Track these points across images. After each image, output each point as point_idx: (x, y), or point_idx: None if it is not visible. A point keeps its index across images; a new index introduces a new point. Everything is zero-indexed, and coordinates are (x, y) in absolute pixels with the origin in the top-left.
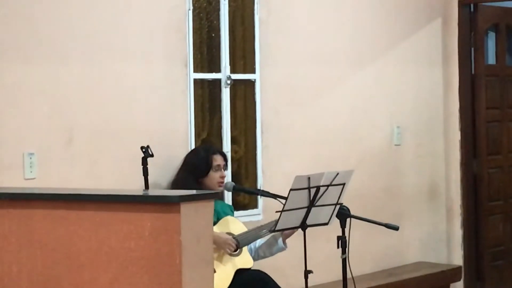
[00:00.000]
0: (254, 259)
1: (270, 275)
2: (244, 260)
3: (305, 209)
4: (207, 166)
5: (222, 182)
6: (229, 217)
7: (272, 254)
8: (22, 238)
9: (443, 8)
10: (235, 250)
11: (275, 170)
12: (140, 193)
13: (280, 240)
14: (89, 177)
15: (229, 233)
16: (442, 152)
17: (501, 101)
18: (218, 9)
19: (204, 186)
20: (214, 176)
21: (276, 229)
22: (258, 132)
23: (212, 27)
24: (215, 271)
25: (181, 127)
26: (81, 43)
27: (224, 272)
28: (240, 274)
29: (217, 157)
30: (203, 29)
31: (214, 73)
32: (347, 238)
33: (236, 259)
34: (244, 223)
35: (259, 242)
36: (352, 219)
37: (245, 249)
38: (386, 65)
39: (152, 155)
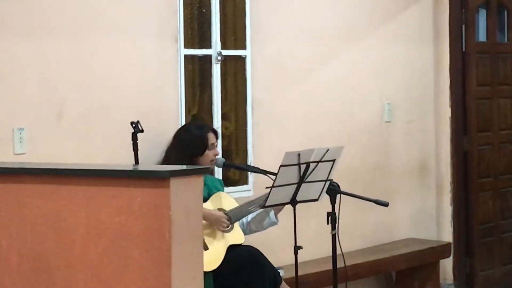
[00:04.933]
0: (245, 233)
1: (261, 251)
2: (236, 236)
3: (295, 185)
4: (204, 145)
5: (214, 160)
6: (221, 193)
7: (264, 229)
8: (12, 213)
9: None
10: (227, 227)
11: (265, 146)
12: (130, 168)
13: (272, 214)
14: (79, 152)
15: (221, 209)
16: (432, 129)
17: (491, 78)
18: None
19: (198, 164)
20: (209, 154)
21: (266, 205)
22: (249, 108)
23: (203, 2)
24: (207, 248)
25: (172, 103)
26: (72, 18)
27: (217, 249)
28: (232, 250)
29: (211, 136)
30: (193, 4)
31: (204, 49)
32: (337, 214)
33: (228, 235)
34: (235, 199)
35: (250, 216)
36: (342, 195)
37: (236, 224)
38: (377, 42)
39: (142, 131)
